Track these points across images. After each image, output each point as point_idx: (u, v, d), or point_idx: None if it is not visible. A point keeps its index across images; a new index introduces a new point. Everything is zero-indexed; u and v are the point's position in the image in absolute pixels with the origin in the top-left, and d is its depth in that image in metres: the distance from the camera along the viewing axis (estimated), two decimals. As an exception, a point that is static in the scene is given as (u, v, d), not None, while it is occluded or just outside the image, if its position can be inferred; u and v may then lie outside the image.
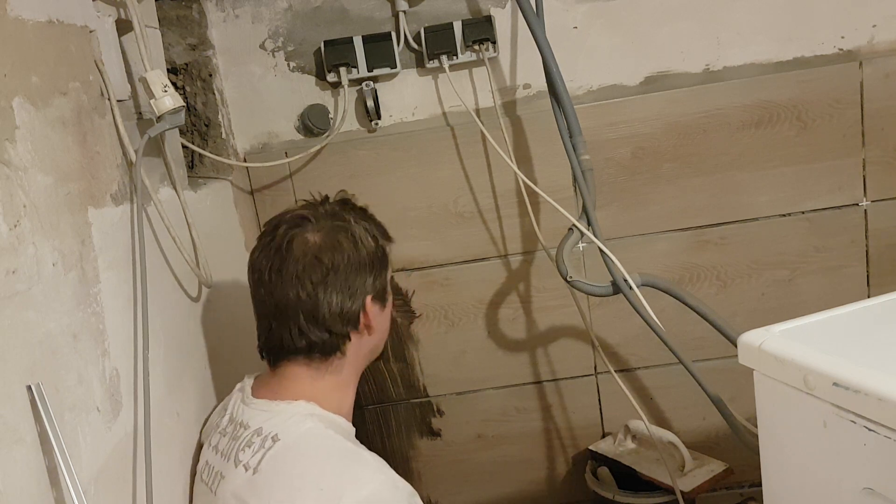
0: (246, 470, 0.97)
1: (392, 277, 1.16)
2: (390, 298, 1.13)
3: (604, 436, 1.59)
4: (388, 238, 1.14)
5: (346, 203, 1.14)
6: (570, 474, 1.63)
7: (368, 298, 1.06)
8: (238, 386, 1.12)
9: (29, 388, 0.72)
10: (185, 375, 1.12)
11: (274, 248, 1.05)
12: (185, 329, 1.14)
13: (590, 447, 1.53)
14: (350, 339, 1.06)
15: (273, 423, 1.00)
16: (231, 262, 1.39)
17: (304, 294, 1.02)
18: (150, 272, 0.99)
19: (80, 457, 0.80)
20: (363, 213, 1.13)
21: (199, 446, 1.12)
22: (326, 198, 1.15)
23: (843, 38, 1.43)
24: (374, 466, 0.95)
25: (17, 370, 0.71)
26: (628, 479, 1.42)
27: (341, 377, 1.08)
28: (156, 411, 0.96)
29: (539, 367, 1.58)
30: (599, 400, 1.59)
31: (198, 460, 1.10)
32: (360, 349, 1.09)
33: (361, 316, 1.06)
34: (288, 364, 1.06)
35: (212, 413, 1.17)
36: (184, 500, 1.07)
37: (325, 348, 1.05)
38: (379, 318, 1.09)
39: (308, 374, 1.05)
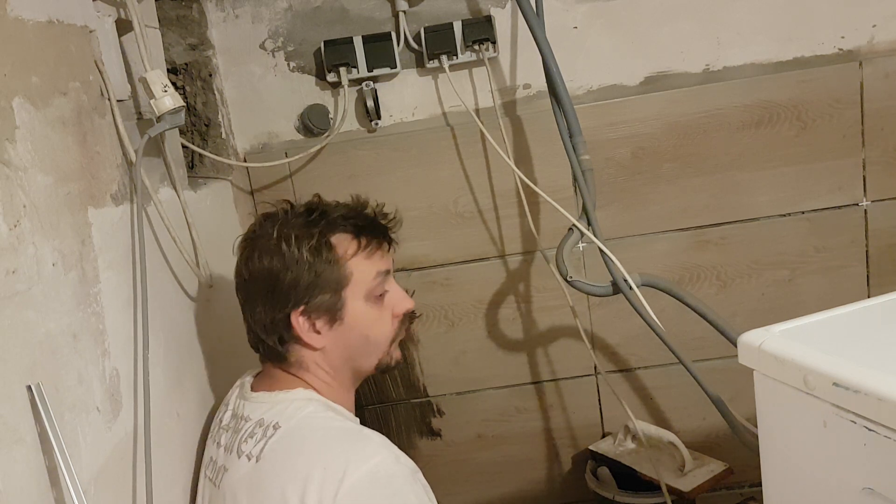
0: (248, 459, 0.97)
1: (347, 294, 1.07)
2: (352, 318, 1.06)
3: (604, 436, 1.59)
4: (328, 252, 1.05)
5: (297, 212, 1.09)
6: (570, 474, 1.63)
7: (294, 313, 1.03)
8: (238, 382, 1.13)
9: (29, 388, 0.72)
10: (185, 375, 1.12)
11: (245, 240, 1.10)
12: (185, 329, 1.14)
13: (590, 447, 1.53)
14: (290, 348, 1.06)
15: (273, 413, 1.01)
16: (231, 262, 1.38)
17: (244, 305, 1.08)
18: (150, 272, 0.99)
19: (80, 457, 0.80)
20: (305, 224, 1.06)
21: (202, 451, 1.13)
22: (283, 208, 1.11)
23: (843, 38, 1.43)
24: (377, 442, 0.96)
25: (17, 370, 0.71)
26: (628, 479, 1.42)
27: (321, 378, 1.07)
28: (156, 411, 0.96)
29: (539, 367, 1.58)
30: (599, 400, 1.59)
31: (202, 458, 1.11)
32: (321, 358, 1.07)
33: (291, 329, 1.04)
34: (266, 364, 1.11)
35: (215, 411, 1.17)
36: (184, 500, 1.07)
37: (273, 354, 1.07)
38: (325, 332, 1.05)
39: (280, 371, 1.08)
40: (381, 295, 1.09)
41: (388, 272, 1.10)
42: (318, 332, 1.05)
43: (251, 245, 1.07)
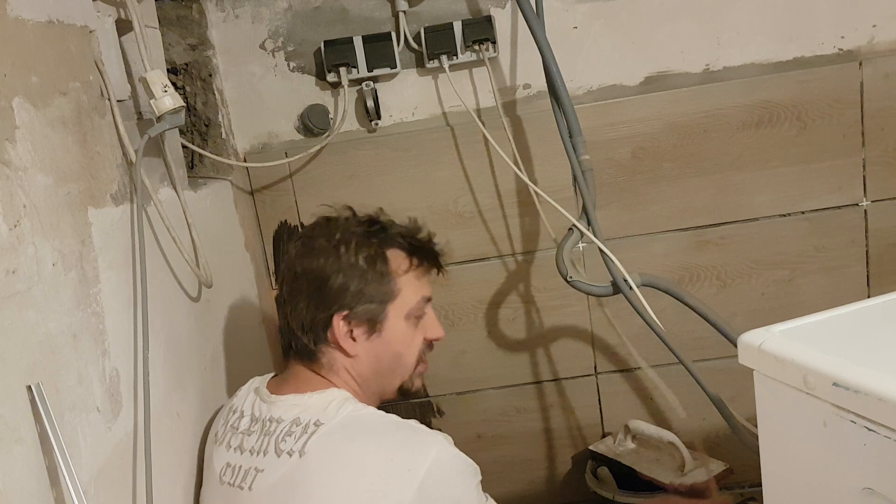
0: (290, 456, 0.97)
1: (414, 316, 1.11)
2: (392, 331, 1.08)
3: (604, 436, 1.59)
4: (384, 268, 1.08)
5: (360, 220, 1.13)
6: (570, 474, 1.63)
7: (337, 316, 1.05)
8: (246, 387, 1.13)
9: (29, 388, 0.72)
10: (185, 375, 1.12)
11: (289, 255, 1.12)
12: (185, 329, 1.14)
13: (590, 447, 1.53)
14: (322, 350, 1.07)
15: (310, 412, 1.01)
16: (231, 262, 1.39)
17: (286, 297, 1.10)
18: (150, 272, 0.99)
19: (80, 457, 0.80)
20: (360, 239, 1.09)
21: (202, 452, 1.12)
22: (353, 214, 1.16)
23: (843, 38, 1.43)
24: (426, 430, 1.00)
25: (17, 370, 0.71)
26: (628, 479, 1.42)
27: (350, 383, 1.09)
28: (156, 411, 0.96)
29: (539, 367, 1.58)
30: (599, 400, 1.59)
31: (200, 466, 1.10)
32: (351, 366, 1.08)
33: (329, 331, 1.06)
34: (292, 361, 1.11)
35: (215, 417, 1.16)
36: (184, 500, 1.07)
37: (304, 352, 1.08)
38: (363, 341, 1.07)
39: (309, 374, 1.09)
40: (419, 317, 1.11)
41: (429, 299, 1.13)
42: (355, 340, 1.07)
43: (308, 243, 1.09)
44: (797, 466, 0.69)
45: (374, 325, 1.07)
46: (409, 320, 1.10)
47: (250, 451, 1.03)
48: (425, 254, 1.13)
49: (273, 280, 1.55)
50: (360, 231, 1.09)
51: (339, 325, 1.06)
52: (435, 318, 1.15)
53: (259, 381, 1.13)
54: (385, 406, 1.08)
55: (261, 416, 1.06)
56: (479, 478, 1.02)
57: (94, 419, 0.84)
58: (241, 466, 1.02)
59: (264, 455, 1.00)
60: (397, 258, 1.09)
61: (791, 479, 0.71)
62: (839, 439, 0.63)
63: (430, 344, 1.15)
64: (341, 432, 0.98)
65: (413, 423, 1.01)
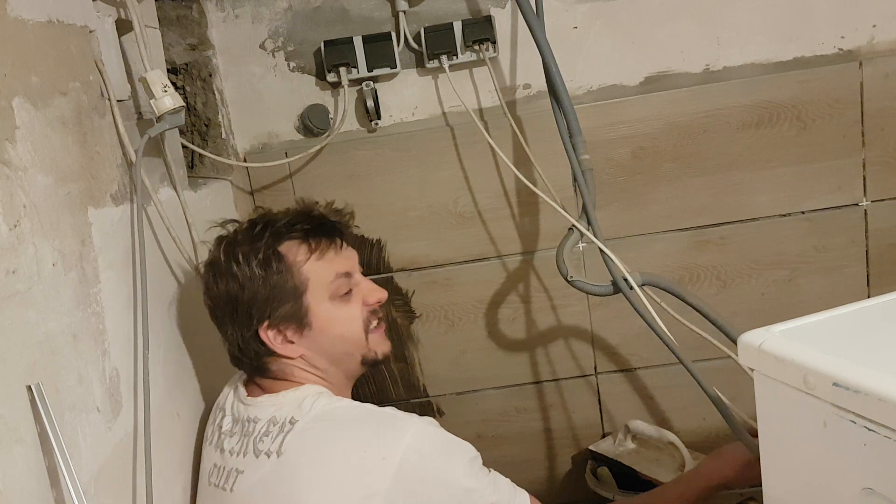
0: (268, 456, 0.97)
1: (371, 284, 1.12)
2: (320, 321, 1.05)
3: (604, 436, 1.59)
4: (278, 261, 1.04)
5: (244, 228, 1.09)
6: (570, 474, 1.63)
7: (261, 329, 1.03)
8: (228, 388, 1.13)
9: (29, 388, 0.73)
10: (185, 375, 1.12)
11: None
12: (185, 329, 1.14)
13: (590, 447, 1.53)
14: (266, 361, 1.06)
15: (286, 410, 1.01)
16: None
17: (217, 326, 1.08)
18: (150, 272, 0.99)
19: (80, 457, 0.80)
20: (250, 238, 1.05)
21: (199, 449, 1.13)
22: (239, 225, 1.11)
23: (843, 38, 1.43)
24: (401, 414, 0.99)
25: (17, 370, 0.71)
26: (628, 479, 1.42)
27: (317, 377, 1.07)
28: (156, 411, 0.96)
29: (539, 367, 1.58)
30: (599, 400, 1.59)
31: (198, 464, 1.11)
32: (307, 364, 1.07)
33: (263, 345, 1.04)
34: (254, 376, 1.09)
35: (209, 415, 1.16)
36: (184, 500, 1.07)
37: (256, 370, 1.07)
38: (298, 340, 1.05)
39: (268, 380, 1.07)
40: (347, 293, 1.08)
41: (348, 273, 1.09)
42: (292, 342, 1.05)
43: (209, 271, 1.06)
44: (797, 466, 0.69)
45: (300, 321, 1.04)
46: (335, 301, 1.06)
47: (230, 451, 1.03)
48: (321, 232, 1.08)
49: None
50: (245, 239, 1.05)
51: (268, 336, 1.03)
52: (368, 283, 1.11)
53: (238, 379, 1.12)
54: (384, 405, 1.08)
55: (240, 416, 1.05)
56: (473, 455, 0.99)
57: (94, 419, 0.84)
58: (224, 467, 1.03)
59: (244, 456, 1.00)
60: (292, 249, 1.05)
61: (791, 479, 0.71)
62: (839, 439, 0.63)
63: (373, 309, 1.11)
64: (316, 428, 0.98)
65: (390, 410, 1.00)
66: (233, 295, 1.03)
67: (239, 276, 1.03)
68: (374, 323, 1.11)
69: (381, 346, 1.12)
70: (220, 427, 1.07)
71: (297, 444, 0.97)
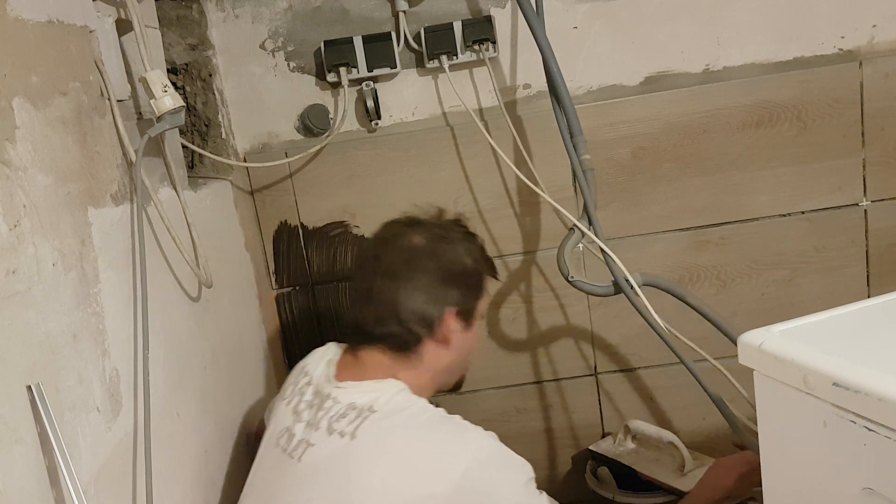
0: (342, 437, 1.01)
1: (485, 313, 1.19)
2: (476, 328, 1.15)
3: (604, 436, 1.59)
4: (493, 269, 1.19)
5: (458, 223, 1.19)
6: (570, 474, 1.63)
7: (451, 311, 1.10)
8: (321, 356, 1.16)
9: (29, 388, 0.73)
10: (185, 375, 1.12)
11: (381, 239, 1.15)
12: (185, 329, 1.14)
13: (590, 447, 1.53)
14: (424, 343, 1.10)
15: (366, 398, 1.04)
16: (231, 262, 1.39)
17: (390, 285, 1.08)
18: (150, 272, 0.99)
19: (80, 457, 0.80)
20: (471, 237, 1.17)
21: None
22: (441, 212, 1.21)
23: (843, 38, 1.43)
24: (468, 424, 1.03)
25: (17, 370, 0.71)
26: (628, 479, 1.42)
27: (418, 377, 1.10)
28: (156, 411, 0.96)
29: (539, 367, 1.58)
30: (599, 400, 1.59)
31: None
32: (437, 361, 1.12)
33: (440, 324, 1.09)
34: (368, 349, 1.11)
35: (289, 376, 1.20)
36: (184, 500, 1.07)
37: (400, 342, 1.09)
38: (459, 336, 1.11)
39: (388, 361, 1.10)
40: (482, 317, 1.19)
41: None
42: (449, 340, 1.11)
43: (442, 230, 1.13)
44: (797, 466, 0.69)
45: (469, 320, 1.13)
46: (481, 319, 1.17)
47: (307, 423, 1.07)
48: (490, 260, 1.20)
49: (273, 280, 1.55)
50: (460, 231, 1.15)
51: (451, 318, 1.10)
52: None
53: (333, 353, 1.15)
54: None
55: (322, 391, 1.09)
56: (530, 475, 1.02)
57: (94, 419, 0.84)
58: (295, 435, 1.06)
59: (317, 430, 1.04)
60: (481, 258, 1.17)
61: (791, 479, 0.71)
62: (839, 439, 0.63)
63: None
64: (390, 421, 1.01)
65: (457, 418, 1.04)
66: (458, 265, 1.11)
67: (477, 258, 1.13)
68: None
69: (466, 372, 1.21)
70: (302, 393, 1.11)
71: (371, 432, 1.00)
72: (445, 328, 1.09)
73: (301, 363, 1.19)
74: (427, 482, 0.97)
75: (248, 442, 1.31)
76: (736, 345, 0.74)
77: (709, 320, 1.21)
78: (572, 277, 1.22)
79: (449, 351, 1.11)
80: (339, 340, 1.20)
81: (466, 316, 1.12)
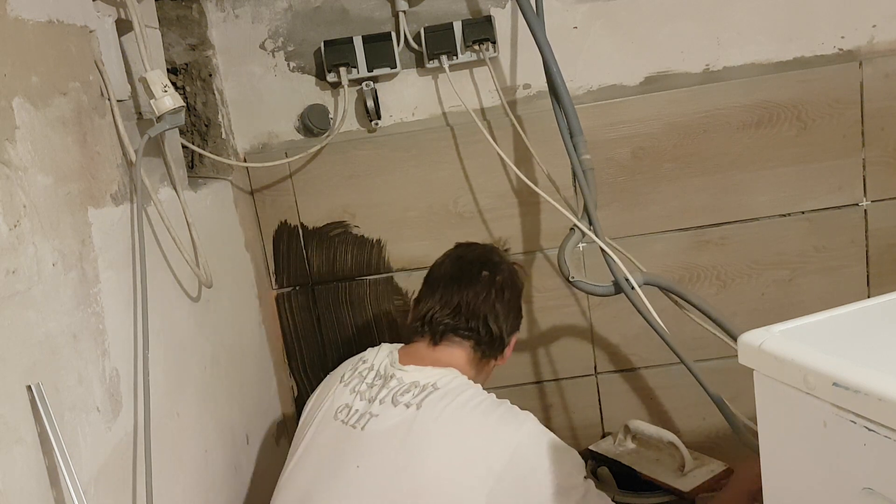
0: (407, 407, 1.10)
1: None
2: (506, 357, 1.28)
3: (604, 436, 1.59)
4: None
5: (516, 263, 1.35)
6: (570, 474, 1.63)
7: (514, 336, 1.27)
8: (376, 349, 1.25)
9: (29, 388, 0.73)
10: (185, 375, 1.12)
11: (481, 256, 1.28)
12: (185, 329, 1.14)
13: (590, 447, 1.53)
14: (499, 355, 1.25)
15: (430, 378, 1.14)
16: (231, 262, 1.39)
17: (485, 300, 1.22)
18: (150, 272, 0.99)
19: (80, 457, 0.80)
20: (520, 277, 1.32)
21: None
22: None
23: (843, 38, 1.43)
24: (520, 411, 1.12)
25: (17, 370, 0.71)
26: (628, 479, 1.42)
27: (473, 379, 1.18)
28: (156, 411, 0.96)
29: (539, 367, 1.58)
30: (599, 400, 1.59)
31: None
32: (489, 372, 1.26)
33: (509, 342, 1.25)
34: (455, 341, 1.21)
35: (338, 366, 1.28)
36: (184, 500, 1.07)
37: (489, 342, 1.22)
38: (507, 356, 1.27)
39: (464, 357, 1.21)
40: None
41: None
42: (503, 356, 1.27)
43: (512, 266, 1.30)
44: (797, 466, 0.69)
45: (508, 349, 1.27)
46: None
47: (370, 399, 1.14)
48: None
49: (273, 280, 1.55)
50: (519, 271, 1.32)
51: (512, 341, 1.26)
52: None
53: (390, 348, 1.25)
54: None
55: (385, 373, 1.18)
56: (580, 461, 1.11)
57: (94, 419, 0.84)
58: (357, 410, 1.14)
59: (381, 404, 1.12)
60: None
61: (791, 479, 0.71)
62: (839, 439, 0.63)
63: None
64: (452, 397, 1.10)
65: (506, 401, 1.14)
66: (519, 300, 1.29)
67: (519, 292, 1.30)
68: None
69: None
70: (363, 375, 1.19)
71: (435, 405, 1.09)
72: (510, 345, 1.26)
73: (355, 357, 1.26)
74: (483, 454, 1.05)
75: (248, 441, 1.31)
76: (736, 343, 0.73)
77: (710, 319, 1.21)
78: (573, 277, 1.22)
79: (499, 363, 1.27)
80: (347, 339, 1.32)
81: (510, 345, 1.27)
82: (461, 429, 1.07)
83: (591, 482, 1.11)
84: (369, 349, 1.26)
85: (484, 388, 1.19)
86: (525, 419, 1.10)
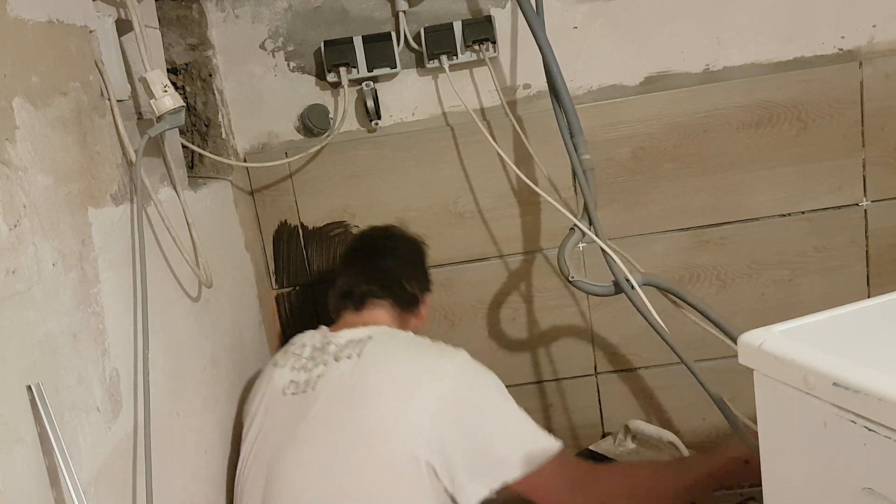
0: (349, 358, 1.17)
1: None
2: (424, 314, 1.37)
3: (604, 436, 1.59)
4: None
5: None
6: (570, 474, 1.63)
7: (427, 295, 1.36)
8: (301, 334, 1.30)
9: (29, 388, 0.73)
10: (185, 375, 1.12)
11: (382, 232, 1.41)
12: (185, 329, 1.14)
13: (590, 447, 1.53)
14: (418, 307, 1.34)
15: (363, 334, 1.21)
16: (231, 262, 1.39)
17: (395, 263, 1.32)
18: (150, 272, 0.99)
19: (80, 457, 0.80)
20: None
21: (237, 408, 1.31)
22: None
23: (843, 38, 1.43)
24: (451, 346, 1.20)
25: (17, 370, 0.71)
26: (628, 479, 1.42)
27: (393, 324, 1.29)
28: (156, 411, 0.96)
29: (539, 367, 1.58)
30: (599, 400, 1.59)
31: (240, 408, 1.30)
32: (414, 327, 1.33)
33: (423, 298, 1.35)
34: (375, 302, 1.29)
35: (262, 368, 1.31)
36: (184, 500, 1.07)
37: (406, 299, 1.31)
38: (425, 314, 1.36)
39: (386, 316, 1.29)
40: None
41: None
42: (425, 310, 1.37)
43: (415, 237, 1.41)
44: (797, 466, 0.69)
45: (423, 307, 1.36)
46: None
47: (314, 365, 1.20)
48: None
49: (273, 280, 1.55)
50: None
51: (426, 298, 1.36)
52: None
53: (318, 329, 1.29)
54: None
55: (319, 344, 1.24)
56: (502, 384, 1.19)
57: (94, 419, 0.84)
58: (304, 380, 1.19)
59: (325, 365, 1.19)
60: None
61: (791, 479, 0.71)
62: (839, 439, 0.63)
63: None
64: (389, 342, 1.21)
65: (438, 341, 1.23)
66: (425, 263, 1.40)
67: (423, 255, 1.40)
68: None
69: None
70: (300, 354, 1.24)
71: (375, 350, 1.17)
72: (424, 303, 1.35)
73: (289, 342, 1.30)
74: (425, 383, 1.13)
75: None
76: (736, 344, 0.73)
77: (709, 320, 1.21)
78: (573, 278, 1.22)
79: (418, 321, 1.35)
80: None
81: (425, 299, 1.37)
82: (401, 365, 1.16)
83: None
84: (295, 338, 1.30)
85: None
86: (457, 352, 1.18)
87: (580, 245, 1.48)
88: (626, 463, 1.44)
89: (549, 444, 1.15)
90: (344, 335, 1.23)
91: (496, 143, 1.40)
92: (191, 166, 1.40)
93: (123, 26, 1.08)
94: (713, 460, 1.24)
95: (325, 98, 1.49)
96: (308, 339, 1.27)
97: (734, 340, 0.74)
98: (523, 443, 1.15)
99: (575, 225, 1.26)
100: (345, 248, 1.44)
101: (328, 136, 1.46)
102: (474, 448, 1.11)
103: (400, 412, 1.11)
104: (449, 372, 1.14)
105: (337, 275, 1.36)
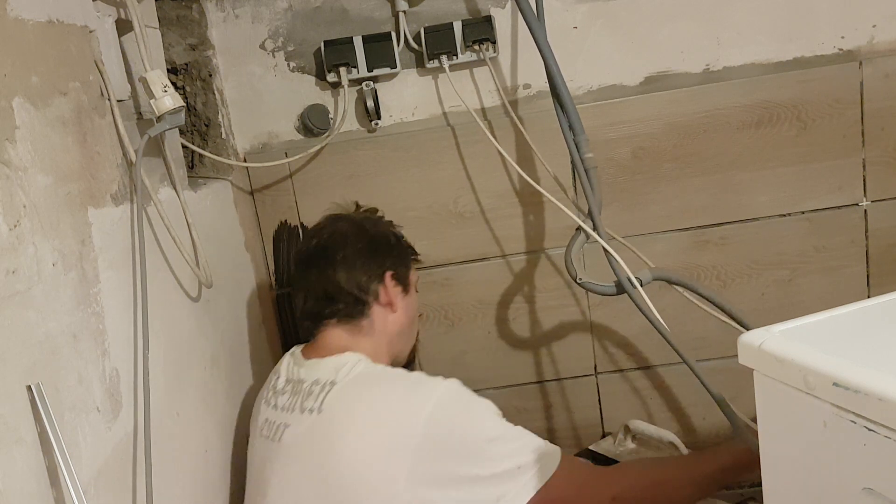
0: (311, 413, 1.09)
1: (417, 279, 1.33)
2: (414, 291, 1.28)
3: (604, 436, 1.59)
4: (413, 249, 1.33)
5: (376, 210, 1.35)
6: (570, 474, 1.63)
7: (388, 274, 1.22)
8: (289, 353, 1.24)
9: (29, 388, 0.73)
10: (185, 375, 1.12)
11: (308, 237, 1.29)
12: (185, 329, 1.14)
13: (590, 447, 1.53)
14: (371, 308, 1.21)
15: (327, 373, 1.13)
16: (231, 262, 1.39)
17: (327, 267, 1.21)
18: (150, 272, 0.99)
19: (80, 457, 0.80)
20: (390, 222, 1.33)
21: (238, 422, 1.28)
22: (359, 206, 1.36)
23: (843, 38, 1.43)
24: (432, 377, 1.10)
25: (17, 370, 0.71)
26: (628, 479, 1.42)
27: (375, 345, 1.20)
28: (156, 411, 0.96)
29: (539, 366, 1.58)
30: (599, 400, 1.59)
31: (243, 428, 1.26)
32: (388, 325, 1.22)
33: (382, 289, 1.21)
34: (326, 328, 1.21)
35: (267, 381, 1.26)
36: (184, 500, 1.07)
37: (350, 312, 1.20)
38: (401, 299, 1.24)
39: (345, 334, 1.20)
40: (415, 289, 1.31)
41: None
42: (393, 302, 1.23)
43: (364, 214, 1.30)
44: (797, 466, 0.69)
45: (406, 285, 1.25)
46: (416, 291, 1.31)
47: (283, 408, 1.15)
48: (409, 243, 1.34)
49: (273, 280, 1.55)
50: (381, 216, 1.33)
51: (390, 281, 1.22)
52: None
53: (297, 347, 1.24)
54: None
55: (292, 376, 1.18)
56: (495, 410, 1.10)
57: (94, 419, 0.84)
58: (275, 422, 1.14)
59: (291, 412, 1.12)
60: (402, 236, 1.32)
61: (791, 479, 0.71)
62: (839, 439, 0.63)
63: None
64: (353, 388, 1.09)
65: (419, 373, 1.13)
66: (383, 236, 1.26)
67: (382, 228, 1.28)
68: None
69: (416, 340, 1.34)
70: (275, 387, 1.19)
71: (335, 402, 1.08)
72: (387, 292, 1.21)
73: (273, 369, 1.25)
74: (395, 434, 1.03)
75: (249, 441, 1.31)
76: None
77: (723, 310, 1.21)
78: (580, 279, 1.22)
79: (396, 315, 1.23)
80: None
81: (402, 280, 1.25)
82: (365, 419, 1.06)
83: (509, 425, 1.09)
84: (283, 358, 1.25)
85: (414, 349, 1.24)
86: (432, 387, 1.07)
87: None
88: (636, 460, 1.42)
89: (551, 456, 1.09)
90: (312, 369, 1.16)
91: (496, 142, 1.40)
92: (191, 166, 1.40)
93: (123, 26, 1.08)
94: (726, 454, 1.21)
95: (325, 98, 1.49)
96: (284, 368, 1.21)
97: (748, 330, 0.74)
98: (527, 460, 1.07)
99: (580, 226, 1.25)
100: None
101: (328, 136, 1.46)
102: (475, 482, 1.04)
103: (370, 471, 1.02)
104: (423, 417, 1.03)
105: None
